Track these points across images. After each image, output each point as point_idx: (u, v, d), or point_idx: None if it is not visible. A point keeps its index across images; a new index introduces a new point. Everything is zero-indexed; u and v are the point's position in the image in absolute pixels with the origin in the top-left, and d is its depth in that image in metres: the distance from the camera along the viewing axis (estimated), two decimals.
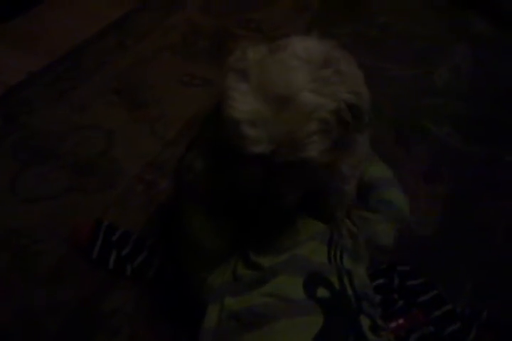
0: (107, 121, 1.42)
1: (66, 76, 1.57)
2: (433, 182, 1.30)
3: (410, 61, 1.73)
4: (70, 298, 1.00)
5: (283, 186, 0.72)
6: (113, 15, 1.86)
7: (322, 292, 0.76)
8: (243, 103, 0.65)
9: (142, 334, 0.96)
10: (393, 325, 0.93)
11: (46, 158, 1.29)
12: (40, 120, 1.39)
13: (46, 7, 1.85)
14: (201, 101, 1.47)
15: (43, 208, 1.17)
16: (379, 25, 1.95)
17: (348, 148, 0.77)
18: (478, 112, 1.51)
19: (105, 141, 1.36)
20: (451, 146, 1.40)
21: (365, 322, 0.74)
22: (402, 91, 1.57)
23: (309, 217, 0.88)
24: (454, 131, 1.44)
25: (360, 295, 0.79)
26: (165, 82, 1.60)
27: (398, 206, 0.94)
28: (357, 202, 0.93)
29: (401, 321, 0.93)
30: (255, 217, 0.84)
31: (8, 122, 1.38)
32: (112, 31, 1.78)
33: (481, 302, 1.02)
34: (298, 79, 0.65)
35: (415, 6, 2.08)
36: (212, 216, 0.83)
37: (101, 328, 0.97)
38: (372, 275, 0.97)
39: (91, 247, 1.05)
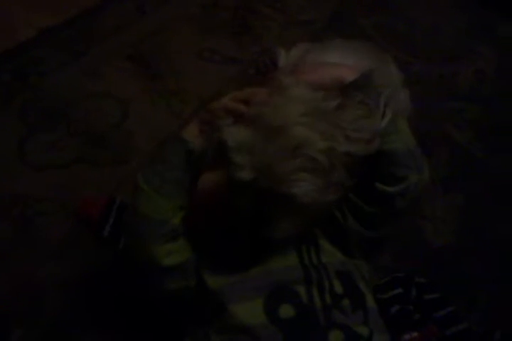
0: (121, 91, 1.35)
1: (79, 37, 1.47)
2: (451, 191, 1.27)
3: (437, 59, 1.68)
4: (76, 276, 0.95)
5: (276, 216, 0.68)
6: None
7: (285, 310, 0.67)
8: (236, 129, 0.66)
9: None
10: (407, 337, 0.90)
11: (56, 124, 1.21)
12: (51, 83, 1.31)
13: None
14: (221, 80, 1.44)
15: (51, 177, 1.10)
16: (406, 18, 1.89)
17: None
18: (501, 120, 1.49)
19: (119, 112, 1.29)
20: (471, 155, 1.37)
21: (335, 337, 0.65)
22: (427, 90, 1.53)
23: None
24: (476, 139, 1.42)
25: (330, 304, 0.68)
26: (183, 54, 1.52)
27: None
28: None
29: (415, 334, 0.91)
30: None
31: (16, 80, 1.29)
32: None
33: (494, 318, 1.01)
34: (294, 111, 0.64)
35: (444, 2, 2.02)
36: None
37: (108, 312, 0.92)
38: (390, 284, 0.96)
39: (102, 224, 1.00)
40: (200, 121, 0.74)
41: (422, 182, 0.71)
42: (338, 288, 0.70)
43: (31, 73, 1.31)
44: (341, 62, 0.84)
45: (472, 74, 1.66)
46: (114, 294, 0.93)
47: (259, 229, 0.69)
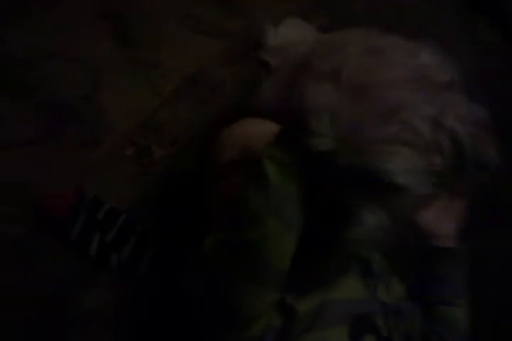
0: (92, 56, 1.13)
1: None
2: None
3: None
4: (37, 289, 0.78)
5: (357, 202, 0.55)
6: None
7: (370, 340, 0.66)
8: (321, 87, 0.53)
9: None
10: None
11: (11, 93, 0.98)
12: (5, 40, 1.06)
13: None
14: (206, 55, 1.26)
15: (4, 160, 0.89)
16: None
17: None
18: None
19: (90, 82, 1.08)
20: None
21: None
22: None
23: None
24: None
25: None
26: (164, 20, 1.31)
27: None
28: None
29: None
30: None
31: None
32: None
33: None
34: (395, 73, 0.52)
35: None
36: None
37: (74, 331, 0.76)
38: None
39: (70, 225, 0.83)
40: None
41: None
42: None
43: None
44: None
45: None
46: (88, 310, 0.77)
47: (331, 230, 0.57)
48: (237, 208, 0.58)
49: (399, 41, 0.67)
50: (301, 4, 1.61)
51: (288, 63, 1.06)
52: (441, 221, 0.78)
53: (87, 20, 1.18)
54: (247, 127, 0.83)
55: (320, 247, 0.63)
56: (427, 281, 0.80)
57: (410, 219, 0.71)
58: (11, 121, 0.94)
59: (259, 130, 0.80)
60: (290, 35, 1.34)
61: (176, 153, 1.03)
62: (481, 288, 1.05)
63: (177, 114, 1.10)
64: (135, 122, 1.05)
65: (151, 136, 1.04)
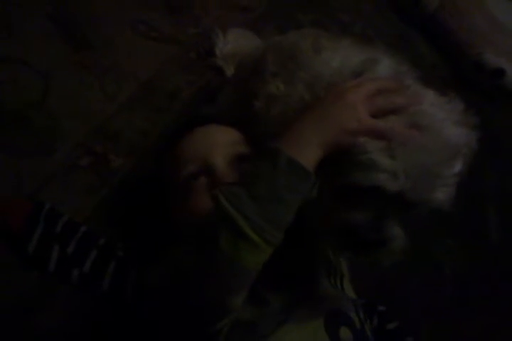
0: (41, 60, 1.07)
1: None
2: None
3: None
4: None
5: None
6: None
7: (345, 332, 0.68)
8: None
9: None
10: None
11: None
12: None
13: None
14: (159, 61, 1.25)
15: None
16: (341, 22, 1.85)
17: None
18: None
19: (39, 86, 1.02)
20: None
21: None
22: None
23: None
24: None
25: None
26: (116, 23, 1.27)
27: None
28: None
29: None
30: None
31: None
32: None
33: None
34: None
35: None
36: None
37: None
38: None
39: (26, 239, 0.78)
40: (334, 144, 0.56)
41: None
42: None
43: None
44: None
45: None
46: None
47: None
48: (180, 269, 0.55)
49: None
50: (250, 14, 1.64)
51: (241, 70, 1.07)
52: None
53: (34, 22, 1.12)
54: (207, 136, 0.82)
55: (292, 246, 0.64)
56: None
57: None
58: None
59: (220, 139, 0.80)
60: (239, 42, 1.36)
61: (134, 162, 1.00)
62: None
63: (133, 121, 1.08)
64: (89, 129, 1.01)
65: (108, 144, 1.01)
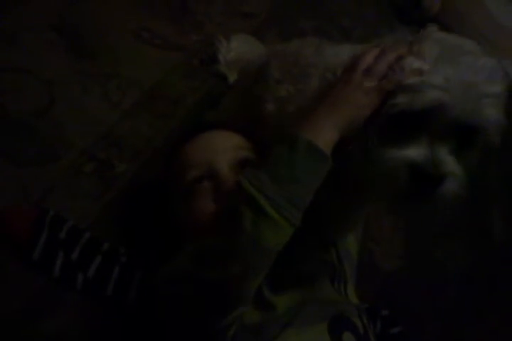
0: (45, 67, 1.09)
1: None
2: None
3: None
4: None
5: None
6: None
7: (348, 337, 0.68)
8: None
9: None
10: None
11: None
12: None
13: None
14: (163, 68, 1.26)
15: None
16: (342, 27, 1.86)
17: None
18: None
19: (45, 95, 1.04)
20: None
21: None
22: None
23: None
24: None
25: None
26: (119, 31, 1.29)
27: None
28: None
29: None
30: None
31: None
32: None
33: None
34: None
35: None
36: None
37: None
38: None
39: (31, 246, 0.78)
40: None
41: None
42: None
43: None
44: None
45: None
46: None
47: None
48: (203, 248, 0.59)
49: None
50: (252, 21, 1.65)
51: (245, 76, 1.08)
52: None
53: (38, 33, 1.14)
54: (211, 141, 0.83)
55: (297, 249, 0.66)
56: None
57: None
58: None
59: (224, 144, 0.81)
60: (242, 49, 1.37)
61: (138, 168, 1.01)
62: None
63: (137, 128, 1.09)
64: (94, 136, 1.02)
65: (112, 150, 1.02)
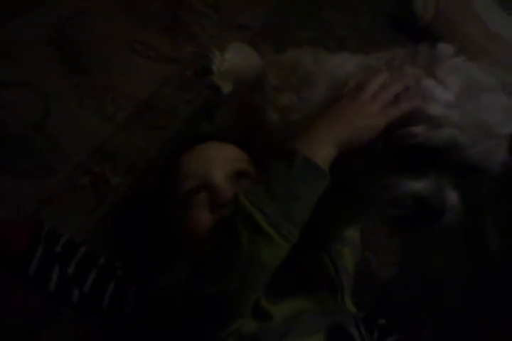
0: (40, 82, 1.10)
1: None
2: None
3: None
4: None
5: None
6: None
7: None
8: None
9: None
10: None
11: None
12: None
13: None
14: (157, 80, 1.27)
15: None
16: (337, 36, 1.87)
17: None
18: None
19: (40, 109, 1.05)
20: None
21: None
22: None
23: None
24: None
25: None
26: (113, 45, 1.30)
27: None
28: None
29: None
30: None
31: None
32: None
33: None
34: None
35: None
36: None
37: None
38: None
39: (27, 261, 0.79)
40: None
41: None
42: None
43: None
44: None
45: None
46: None
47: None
48: (201, 262, 0.59)
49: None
50: (246, 32, 1.66)
51: (241, 86, 1.09)
52: None
53: (34, 46, 1.15)
54: (207, 152, 0.83)
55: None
56: None
57: None
58: None
59: (220, 155, 0.82)
60: (236, 59, 1.37)
61: (133, 181, 1.01)
62: None
63: (131, 141, 1.09)
64: (89, 150, 1.03)
65: (106, 163, 1.02)
